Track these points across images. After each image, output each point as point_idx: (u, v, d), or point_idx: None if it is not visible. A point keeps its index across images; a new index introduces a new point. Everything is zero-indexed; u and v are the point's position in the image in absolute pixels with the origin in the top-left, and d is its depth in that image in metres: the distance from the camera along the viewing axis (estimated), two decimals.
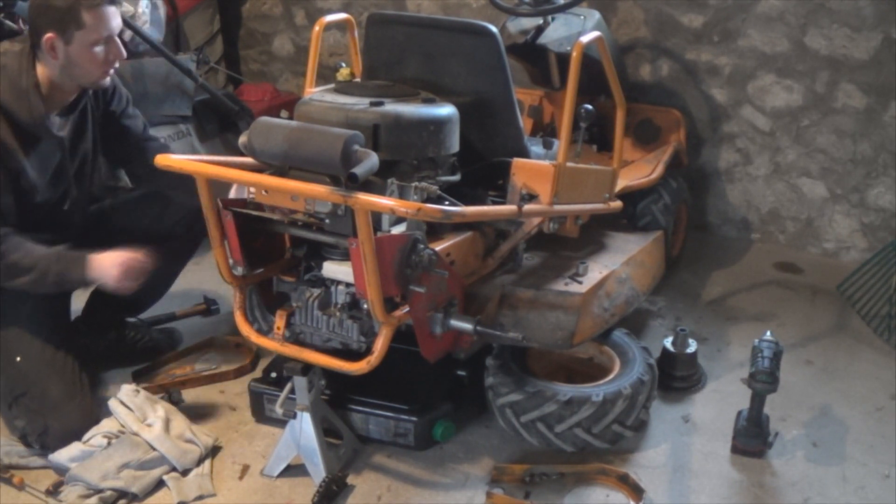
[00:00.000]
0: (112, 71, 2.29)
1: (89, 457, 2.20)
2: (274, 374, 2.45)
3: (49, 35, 2.13)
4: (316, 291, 2.15)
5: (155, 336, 2.85)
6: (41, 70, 2.20)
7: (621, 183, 2.86)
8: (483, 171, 2.44)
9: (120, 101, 2.48)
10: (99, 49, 2.19)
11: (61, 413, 2.29)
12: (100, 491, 2.13)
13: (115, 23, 2.21)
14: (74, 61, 2.17)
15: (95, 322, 2.73)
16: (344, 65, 2.83)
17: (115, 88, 2.45)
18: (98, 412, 2.38)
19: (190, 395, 2.59)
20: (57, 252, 2.22)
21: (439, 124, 2.14)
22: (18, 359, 2.30)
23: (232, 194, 2.23)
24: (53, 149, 2.30)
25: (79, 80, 2.24)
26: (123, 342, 2.77)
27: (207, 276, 3.29)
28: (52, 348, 2.35)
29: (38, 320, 2.36)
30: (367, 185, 1.93)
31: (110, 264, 2.20)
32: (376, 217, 1.99)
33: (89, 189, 2.49)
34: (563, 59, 2.91)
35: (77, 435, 2.27)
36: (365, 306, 2.01)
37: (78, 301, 2.68)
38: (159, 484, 2.21)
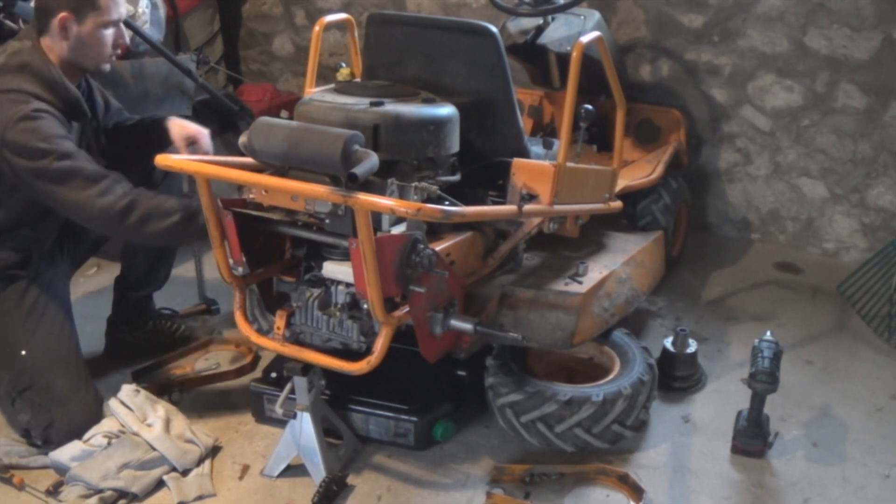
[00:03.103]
0: (114, 57, 2.35)
1: (89, 456, 2.20)
2: (274, 374, 2.45)
3: (63, 15, 2.18)
4: (316, 291, 2.15)
5: (189, 324, 2.90)
6: (52, 58, 2.24)
7: (621, 183, 2.86)
8: (483, 171, 2.44)
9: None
10: (108, 32, 2.27)
11: (66, 407, 2.30)
12: (100, 491, 2.13)
13: (124, 9, 2.32)
14: (85, 42, 2.24)
15: (129, 313, 2.78)
16: (344, 65, 2.83)
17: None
18: (102, 407, 2.39)
19: (190, 395, 2.59)
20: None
21: (439, 124, 2.14)
22: (24, 352, 2.30)
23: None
24: (84, 129, 2.36)
25: (83, 63, 2.29)
26: (161, 333, 2.83)
27: (207, 276, 3.29)
28: (56, 342, 2.36)
29: (42, 313, 2.36)
30: (367, 185, 1.93)
31: None
32: (376, 217, 1.99)
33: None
34: (563, 59, 2.91)
35: (82, 429, 2.28)
36: (365, 306, 2.01)
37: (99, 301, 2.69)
38: (159, 484, 2.21)
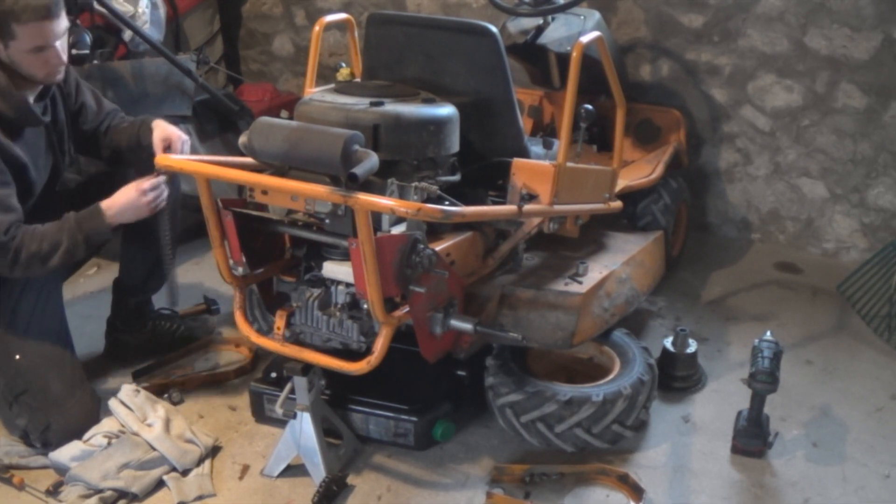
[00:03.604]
0: (62, 69, 2.27)
1: (89, 456, 2.20)
2: (274, 374, 2.45)
3: None
4: (316, 291, 2.16)
5: (189, 324, 2.89)
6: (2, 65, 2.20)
7: (621, 183, 2.86)
8: (483, 171, 2.44)
9: (68, 83, 2.46)
10: (39, 55, 2.17)
11: (63, 408, 2.30)
12: (100, 491, 2.13)
13: (52, 33, 2.16)
14: (17, 62, 2.18)
15: (128, 317, 2.77)
16: (344, 65, 2.83)
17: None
18: (99, 407, 2.39)
19: (190, 395, 2.59)
20: (70, 220, 2.23)
21: (439, 124, 2.14)
22: (17, 357, 2.31)
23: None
24: (39, 134, 2.32)
25: (27, 77, 2.22)
26: (160, 334, 2.82)
27: (207, 276, 3.29)
28: (50, 344, 2.36)
29: (34, 317, 2.36)
30: (367, 185, 1.93)
31: (126, 202, 2.25)
32: (376, 217, 1.99)
33: (69, 164, 2.51)
34: (563, 59, 2.91)
35: (80, 430, 2.28)
36: (365, 306, 2.01)
37: (101, 303, 2.68)
38: (159, 484, 2.21)
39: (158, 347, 2.78)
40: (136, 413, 2.33)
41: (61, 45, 2.22)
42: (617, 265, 2.62)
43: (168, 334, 2.82)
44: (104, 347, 2.80)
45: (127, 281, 2.72)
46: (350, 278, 2.00)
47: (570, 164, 2.37)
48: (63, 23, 2.21)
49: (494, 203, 2.40)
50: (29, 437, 2.32)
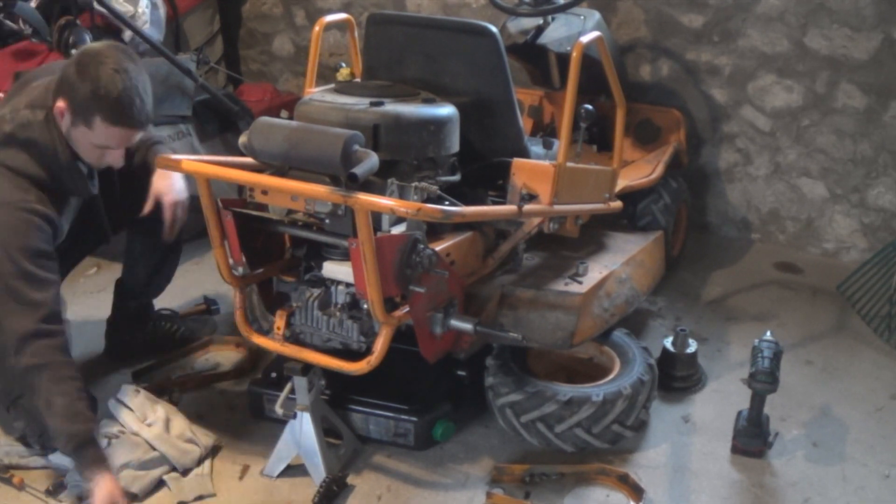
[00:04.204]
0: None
1: None
2: (274, 374, 2.45)
3: (61, 105, 2.07)
4: (316, 291, 2.16)
5: (190, 325, 2.89)
6: (64, 128, 2.12)
7: (621, 183, 2.86)
8: (483, 171, 2.44)
9: None
10: (96, 149, 2.14)
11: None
12: None
13: (127, 140, 2.14)
14: (74, 140, 2.12)
15: (128, 318, 2.76)
16: (344, 65, 2.83)
17: None
18: (97, 410, 2.39)
19: (190, 395, 2.59)
20: (80, 433, 2.05)
21: (439, 124, 2.14)
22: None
23: None
24: (93, 199, 2.31)
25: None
26: (161, 334, 2.81)
27: (207, 276, 3.29)
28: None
29: None
30: (367, 185, 1.93)
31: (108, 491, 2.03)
32: (376, 217, 1.99)
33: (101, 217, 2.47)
34: (563, 59, 2.91)
35: None
36: (365, 306, 2.02)
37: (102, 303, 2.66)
38: (159, 484, 2.21)
39: (158, 347, 2.78)
40: (136, 413, 2.33)
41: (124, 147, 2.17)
42: (617, 265, 2.62)
43: (168, 334, 2.82)
44: (104, 347, 2.80)
45: (129, 283, 2.72)
46: (350, 278, 2.00)
47: (570, 164, 2.37)
48: (136, 136, 2.15)
49: (494, 203, 2.40)
50: (27, 438, 2.31)
